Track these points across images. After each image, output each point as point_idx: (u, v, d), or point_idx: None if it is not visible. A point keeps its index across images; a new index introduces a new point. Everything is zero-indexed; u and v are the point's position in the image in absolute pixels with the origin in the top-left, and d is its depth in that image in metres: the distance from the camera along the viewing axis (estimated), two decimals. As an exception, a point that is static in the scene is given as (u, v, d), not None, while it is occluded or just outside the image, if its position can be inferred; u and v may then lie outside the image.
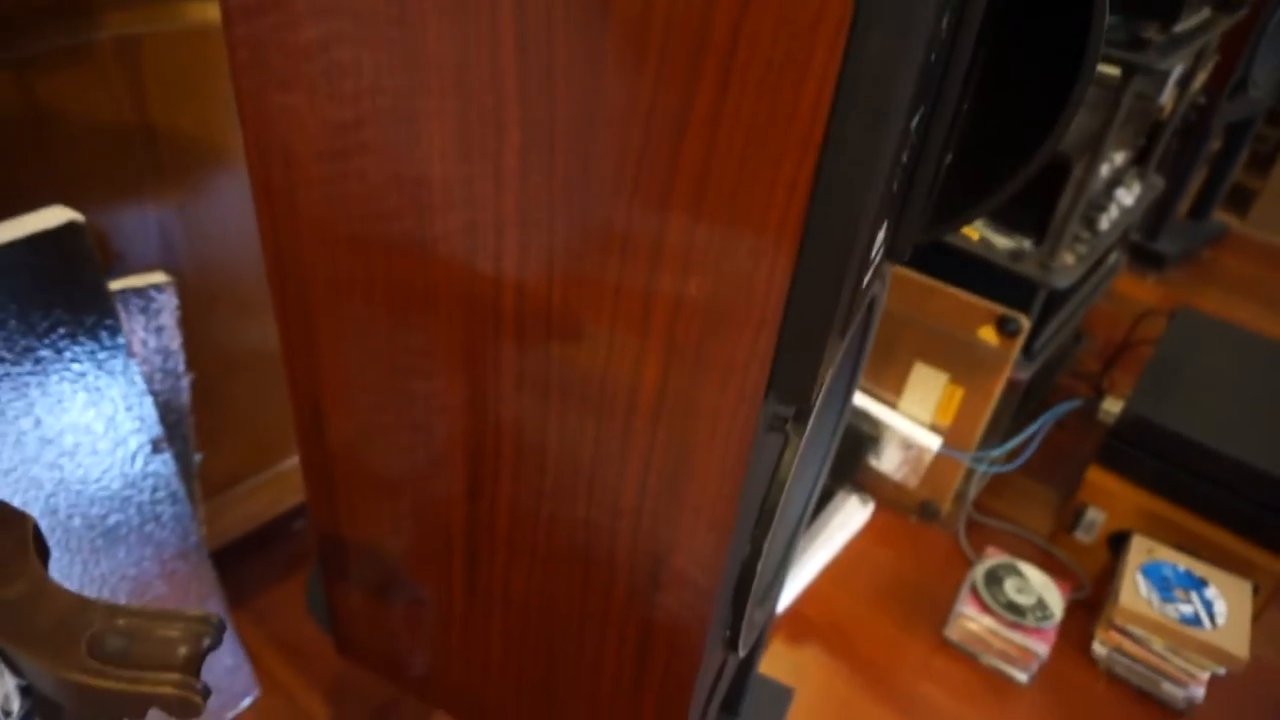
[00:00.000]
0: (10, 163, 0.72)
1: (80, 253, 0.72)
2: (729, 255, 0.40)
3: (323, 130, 0.49)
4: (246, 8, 0.47)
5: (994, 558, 1.32)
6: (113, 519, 0.81)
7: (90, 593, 0.75)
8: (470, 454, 0.58)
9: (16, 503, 0.56)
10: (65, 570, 0.80)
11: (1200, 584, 1.22)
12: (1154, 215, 2.18)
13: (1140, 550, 1.27)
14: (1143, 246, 2.21)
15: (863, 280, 0.43)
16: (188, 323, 0.86)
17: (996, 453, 1.41)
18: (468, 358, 0.53)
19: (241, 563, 1.16)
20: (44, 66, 0.70)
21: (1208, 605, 1.19)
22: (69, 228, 0.70)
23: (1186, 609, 1.18)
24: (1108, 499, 1.35)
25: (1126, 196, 1.49)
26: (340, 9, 0.44)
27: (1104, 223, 1.40)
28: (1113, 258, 1.61)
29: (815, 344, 0.40)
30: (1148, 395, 1.34)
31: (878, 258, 0.46)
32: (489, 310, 0.50)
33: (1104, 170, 1.40)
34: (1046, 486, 1.58)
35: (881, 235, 0.44)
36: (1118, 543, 1.36)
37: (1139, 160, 1.56)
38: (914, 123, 0.39)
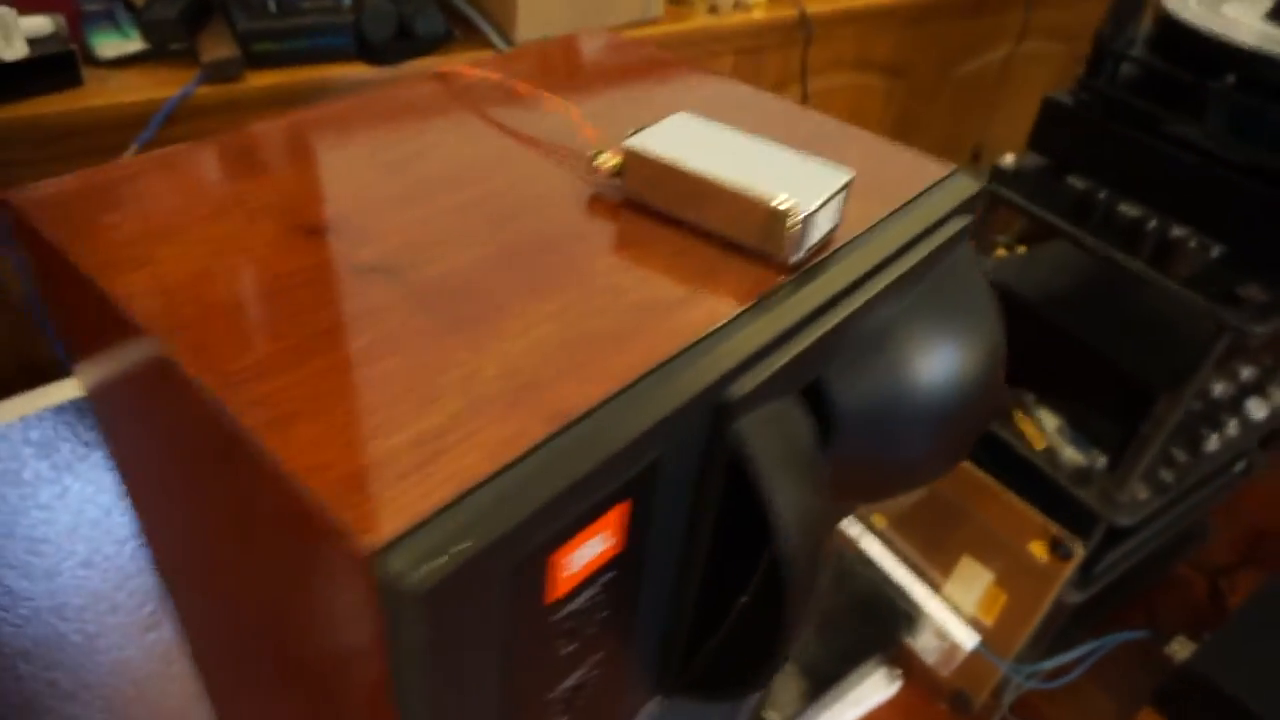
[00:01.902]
0: None
1: None
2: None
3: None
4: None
5: (1003, 786, 1.23)
6: None
7: None
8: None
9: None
10: None
11: None
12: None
13: (1168, 827, 1.14)
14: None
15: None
16: None
17: (1036, 668, 1.30)
18: None
19: None
20: None
21: None
22: None
23: None
24: (1153, 752, 1.22)
25: (1260, 408, 1.30)
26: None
27: (1213, 444, 1.23)
28: (1239, 465, 1.41)
29: None
30: (1222, 648, 1.18)
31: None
32: None
33: (1218, 389, 1.23)
34: (1100, 694, 1.43)
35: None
36: (1157, 801, 1.22)
37: (1290, 364, 1.35)
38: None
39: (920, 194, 0.48)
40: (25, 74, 0.79)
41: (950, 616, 1.35)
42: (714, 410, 0.36)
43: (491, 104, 0.52)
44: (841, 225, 0.45)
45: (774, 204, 0.40)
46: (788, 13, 1.23)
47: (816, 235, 0.42)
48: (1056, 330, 1.17)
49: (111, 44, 0.86)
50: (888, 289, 0.44)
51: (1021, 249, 1.38)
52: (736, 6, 1.20)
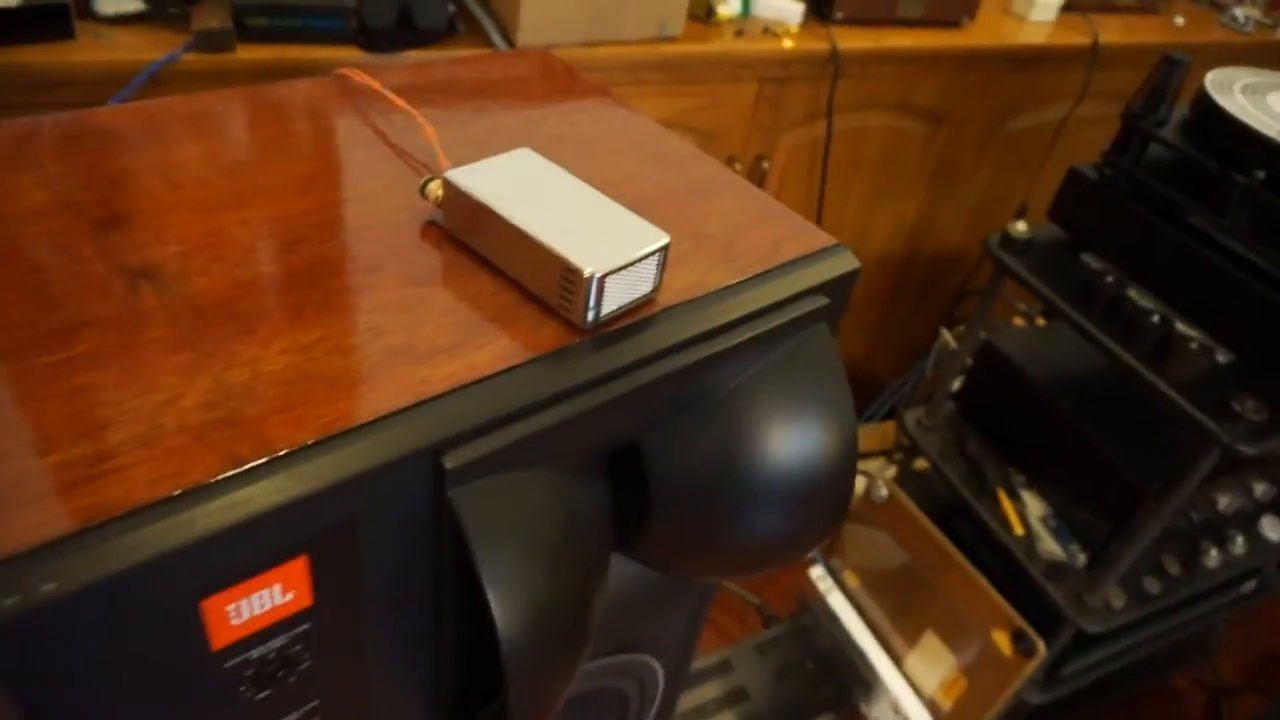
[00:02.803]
0: None
1: None
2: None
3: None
4: None
5: None
6: None
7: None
8: None
9: None
10: None
11: None
12: None
13: None
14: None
15: None
16: None
17: (987, 763, 1.23)
18: None
19: None
20: None
21: None
22: None
23: None
24: None
25: (1275, 528, 1.20)
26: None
27: (1214, 559, 1.14)
28: (1248, 585, 1.31)
29: None
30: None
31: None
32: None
33: (1223, 502, 1.14)
34: (1066, 809, 1.35)
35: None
36: None
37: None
38: None
39: (780, 265, 0.45)
40: (20, 21, 0.82)
41: (908, 694, 1.29)
42: (436, 474, 0.34)
43: (368, 115, 0.51)
44: (667, 289, 0.42)
45: (571, 261, 0.37)
46: (819, 45, 1.18)
47: (619, 300, 0.39)
48: (1053, 412, 1.10)
49: (112, 1, 0.88)
50: (710, 360, 0.41)
51: (1041, 321, 1.31)
52: (765, 33, 1.17)
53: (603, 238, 0.39)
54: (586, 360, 0.38)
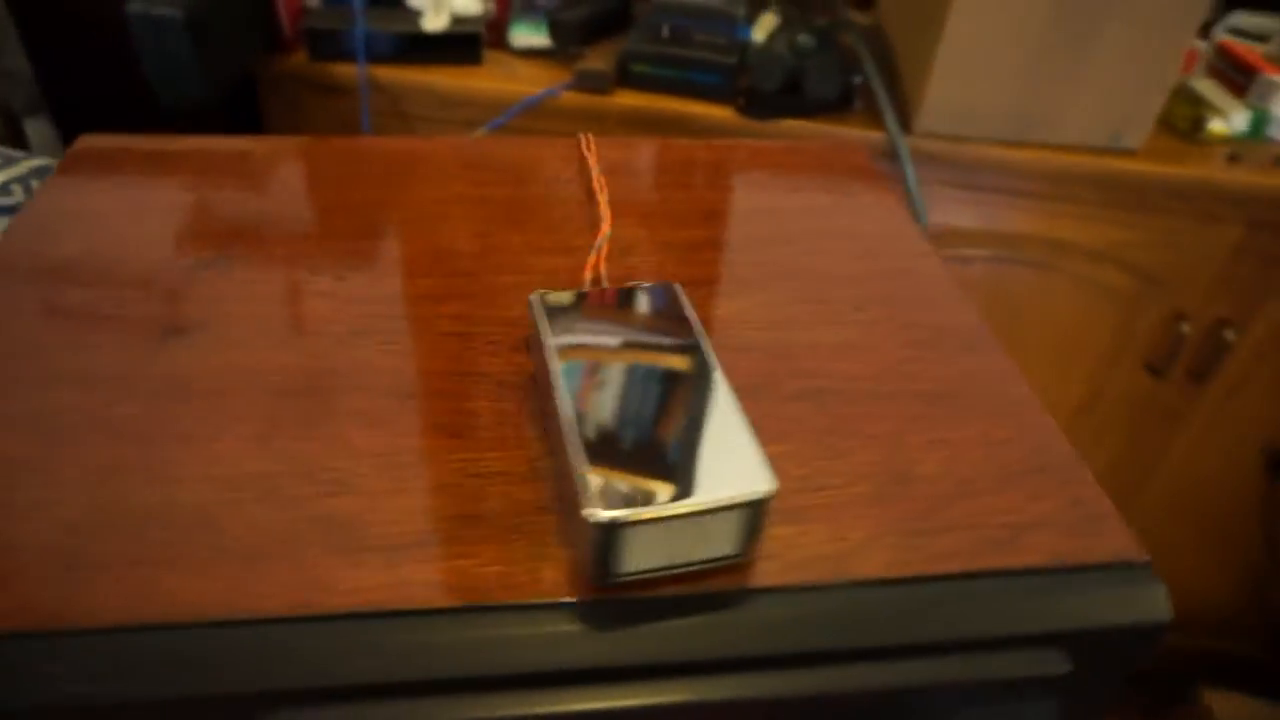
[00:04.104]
0: None
1: None
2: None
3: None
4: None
5: None
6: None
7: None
8: None
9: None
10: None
11: None
12: None
13: None
14: None
15: None
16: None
17: None
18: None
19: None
20: None
21: None
22: None
23: None
24: None
25: None
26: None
27: None
28: None
29: None
30: None
31: None
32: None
33: None
34: None
35: None
36: None
37: None
38: None
39: (1006, 572, 0.26)
40: (437, 45, 0.88)
41: None
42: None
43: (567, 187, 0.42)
44: (777, 559, 0.26)
45: (581, 490, 0.24)
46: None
47: (661, 557, 0.25)
48: None
49: (524, 36, 0.91)
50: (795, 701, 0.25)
51: None
52: (1277, 163, 0.85)
53: (681, 461, 0.25)
54: (567, 634, 0.24)
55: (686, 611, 0.25)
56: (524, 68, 0.91)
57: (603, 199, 0.40)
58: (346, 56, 0.87)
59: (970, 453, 0.30)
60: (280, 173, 0.42)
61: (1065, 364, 1.00)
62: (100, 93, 0.98)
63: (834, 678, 0.25)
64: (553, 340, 0.29)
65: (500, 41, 0.93)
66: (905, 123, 0.84)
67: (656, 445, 0.25)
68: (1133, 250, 0.90)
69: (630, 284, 0.32)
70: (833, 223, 0.42)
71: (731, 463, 0.25)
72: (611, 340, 0.29)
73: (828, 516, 0.28)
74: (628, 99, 0.87)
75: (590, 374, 0.28)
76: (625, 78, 0.87)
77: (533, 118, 0.88)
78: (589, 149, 0.44)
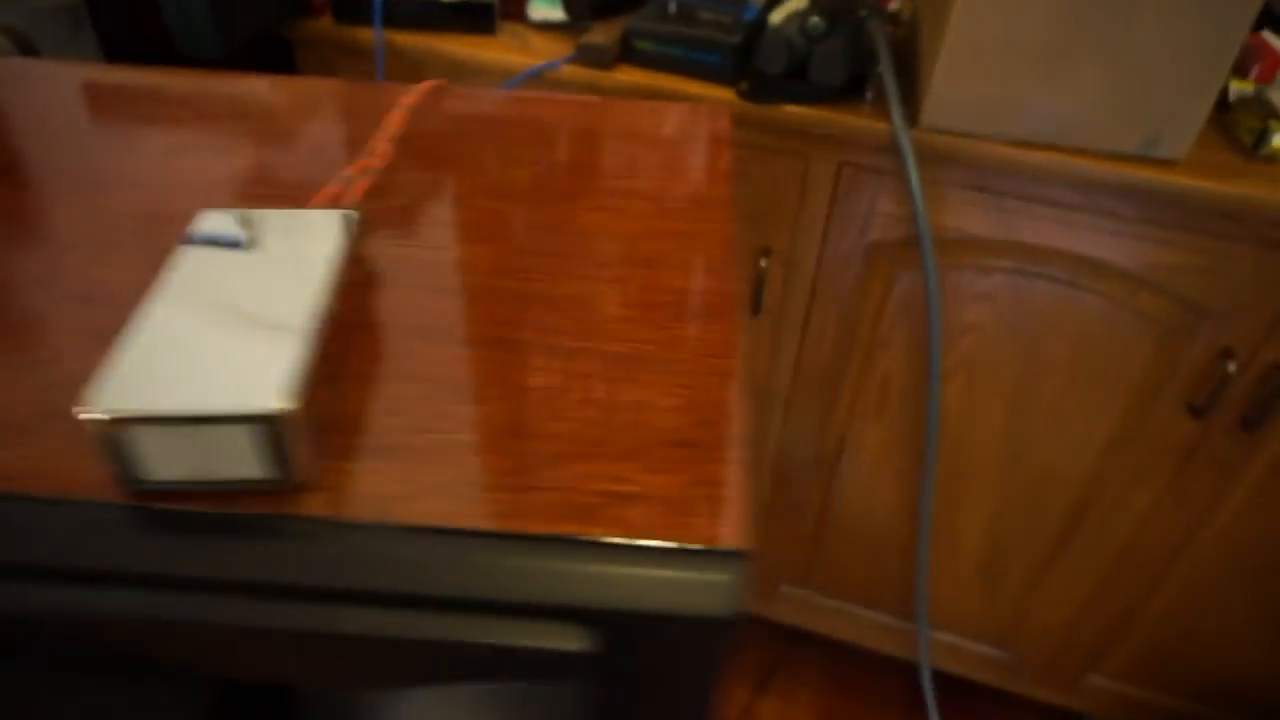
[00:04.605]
0: None
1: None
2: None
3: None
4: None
5: None
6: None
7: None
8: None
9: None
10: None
11: None
12: None
13: None
14: None
15: None
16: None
17: None
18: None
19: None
20: None
21: None
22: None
23: None
24: None
25: None
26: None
27: None
28: None
29: None
30: None
31: None
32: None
33: None
34: None
35: None
36: None
37: None
38: None
39: (608, 545, 0.24)
40: (452, 13, 0.89)
41: None
42: None
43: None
44: (358, 497, 0.25)
45: (85, 392, 0.24)
46: None
47: (176, 470, 0.24)
48: None
49: (541, 9, 0.91)
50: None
51: None
52: (1353, 189, 0.73)
53: (214, 372, 0.24)
54: (93, 533, 0.24)
55: (206, 529, 0.24)
56: (538, 40, 0.91)
57: (380, 135, 0.39)
58: (369, 20, 0.90)
59: (619, 417, 0.28)
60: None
61: (1094, 391, 0.90)
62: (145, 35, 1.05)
63: (333, 617, 0.23)
64: (187, 249, 0.28)
65: (520, 14, 0.93)
66: (913, 116, 0.79)
67: (201, 356, 0.25)
68: (1175, 275, 0.81)
69: (297, 209, 0.31)
70: (641, 183, 0.40)
71: (258, 378, 0.24)
72: (240, 257, 0.28)
73: (416, 460, 0.26)
74: (628, 75, 0.85)
75: (197, 283, 0.27)
76: (629, 54, 0.86)
77: (531, 86, 0.88)
78: (416, 94, 0.44)
